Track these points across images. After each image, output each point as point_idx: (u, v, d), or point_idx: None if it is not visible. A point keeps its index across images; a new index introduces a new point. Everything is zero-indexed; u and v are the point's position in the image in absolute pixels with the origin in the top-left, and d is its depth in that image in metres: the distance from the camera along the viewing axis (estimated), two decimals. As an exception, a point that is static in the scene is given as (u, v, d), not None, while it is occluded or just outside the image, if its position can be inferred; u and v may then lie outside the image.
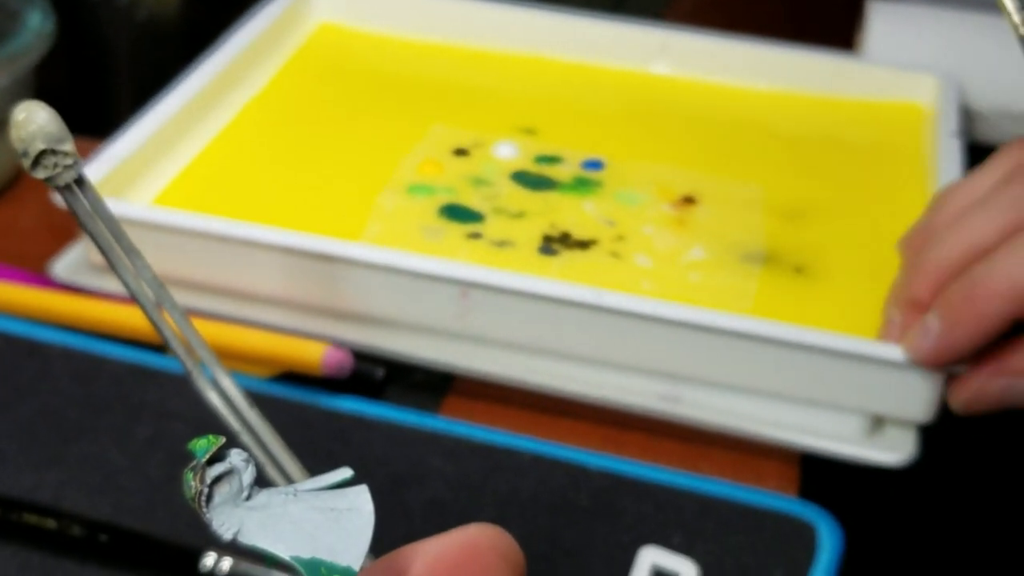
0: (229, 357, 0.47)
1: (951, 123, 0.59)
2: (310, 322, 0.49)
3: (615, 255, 0.51)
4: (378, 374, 0.48)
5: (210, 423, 0.44)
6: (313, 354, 0.47)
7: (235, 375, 0.46)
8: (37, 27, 0.56)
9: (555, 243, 0.52)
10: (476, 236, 0.52)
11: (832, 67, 0.64)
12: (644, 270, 0.51)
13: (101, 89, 0.74)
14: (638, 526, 0.42)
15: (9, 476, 0.43)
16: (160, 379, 0.47)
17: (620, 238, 0.52)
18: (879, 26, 0.68)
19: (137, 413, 0.45)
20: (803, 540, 0.42)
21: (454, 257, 0.50)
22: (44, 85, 0.59)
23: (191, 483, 0.25)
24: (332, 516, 0.25)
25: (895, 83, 0.64)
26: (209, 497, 0.25)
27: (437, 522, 0.41)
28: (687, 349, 0.46)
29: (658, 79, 0.65)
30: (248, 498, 0.25)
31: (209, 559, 0.39)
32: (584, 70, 0.66)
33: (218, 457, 0.25)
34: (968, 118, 0.67)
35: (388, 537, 0.41)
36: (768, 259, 0.52)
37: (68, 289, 0.51)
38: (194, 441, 0.25)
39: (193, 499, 0.25)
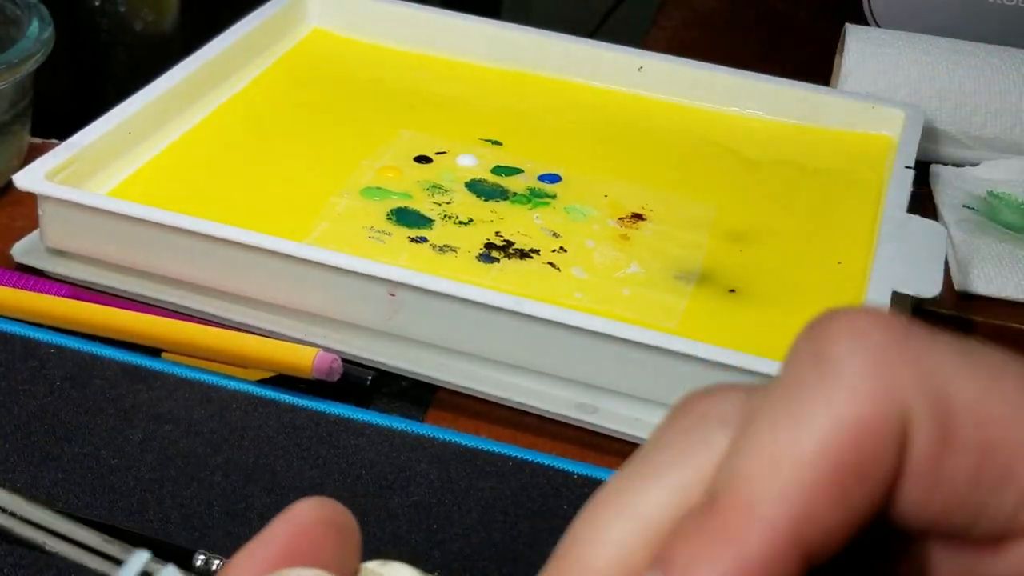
0: (222, 360, 0.49)
1: (908, 157, 0.59)
2: (239, 312, 0.51)
3: (552, 266, 0.53)
4: (367, 379, 0.49)
5: (201, 427, 0.45)
6: (304, 358, 0.48)
7: (226, 377, 0.47)
8: (36, 34, 0.58)
9: (496, 251, 0.53)
10: (420, 240, 0.53)
11: (806, 97, 0.65)
12: (578, 282, 0.52)
13: (99, 95, 0.76)
14: None
15: (4, 475, 0.44)
16: (153, 381, 0.48)
17: (561, 250, 0.54)
18: (855, 52, 0.69)
19: (130, 415, 0.46)
20: None
21: (393, 260, 0.51)
22: (43, 91, 0.61)
23: None
24: None
25: (865, 115, 0.65)
26: None
27: (422, 525, 0.43)
28: (603, 360, 0.47)
29: (632, 99, 0.66)
30: None
31: (200, 560, 0.39)
32: (560, 86, 0.67)
33: None
34: (939, 142, 0.68)
35: (374, 539, 0.42)
36: (703, 279, 0.53)
37: (26, 270, 0.54)
38: None
39: None
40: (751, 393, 0.21)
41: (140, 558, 0.24)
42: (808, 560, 0.19)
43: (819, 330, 0.20)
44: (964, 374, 0.20)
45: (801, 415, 0.19)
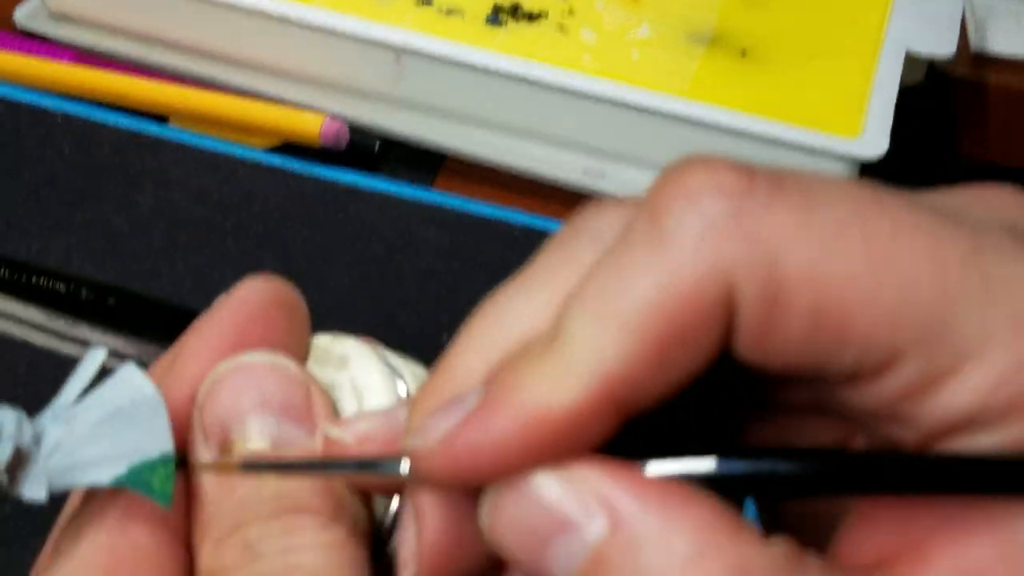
0: (230, 127, 0.49)
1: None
2: (244, 77, 0.51)
3: (561, 29, 0.52)
4: (374, 145, 0.49)
5: (210, 193, 0.46)
6: (311, 125, 0.48)
7: (232, 144, 0.47)
8: None
9: (503, 14, 0.52)
10: (426, 3, 0.52)
11: None
12: (587, 45, 0.51)
13: None
14: None
15: (17, 240, 0.44)
16: (160, 148, 0.48)
17: (570, 12, 0.53)
18: None
19: (138, 181, 0.46)
20: None
21: (399, 23, 0.50)
22: None
23: None
24: (123, 417, 0.23)
25: None
26: (12, 478, 0.23)
27: (431, 290, 0.43)
28: (611, 126, 0.47)
29: None
30: (35, 456, 0.23)
31: None
32: None
33: None
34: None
35: (384, 304, 0.43)
36: (714, 40, 0.52)
37: (30, 36, 0.53)
38: None
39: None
40: (629, 210, 0.22)
41: (97, 356, 0.24)
42: (622, 414, 0.20)
43: (661, 188, 0.21)
44: (801, 237, 0.20)
45: (628, 279, 0.20)
